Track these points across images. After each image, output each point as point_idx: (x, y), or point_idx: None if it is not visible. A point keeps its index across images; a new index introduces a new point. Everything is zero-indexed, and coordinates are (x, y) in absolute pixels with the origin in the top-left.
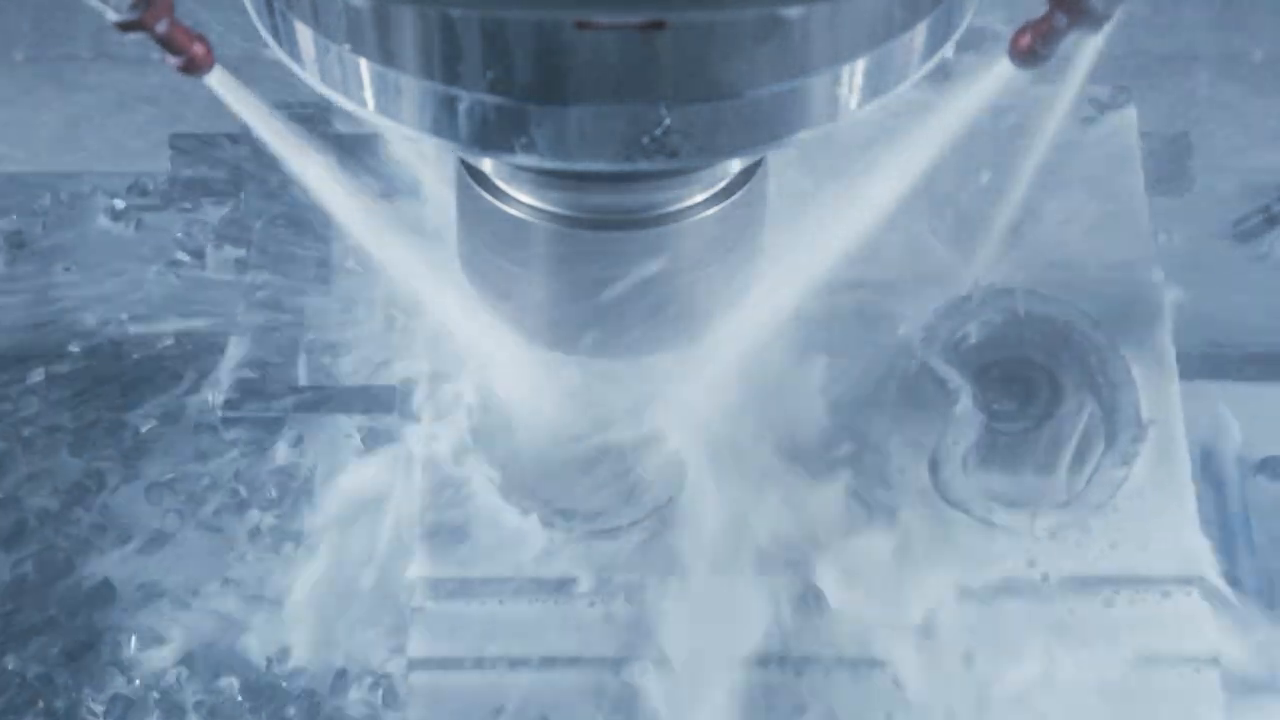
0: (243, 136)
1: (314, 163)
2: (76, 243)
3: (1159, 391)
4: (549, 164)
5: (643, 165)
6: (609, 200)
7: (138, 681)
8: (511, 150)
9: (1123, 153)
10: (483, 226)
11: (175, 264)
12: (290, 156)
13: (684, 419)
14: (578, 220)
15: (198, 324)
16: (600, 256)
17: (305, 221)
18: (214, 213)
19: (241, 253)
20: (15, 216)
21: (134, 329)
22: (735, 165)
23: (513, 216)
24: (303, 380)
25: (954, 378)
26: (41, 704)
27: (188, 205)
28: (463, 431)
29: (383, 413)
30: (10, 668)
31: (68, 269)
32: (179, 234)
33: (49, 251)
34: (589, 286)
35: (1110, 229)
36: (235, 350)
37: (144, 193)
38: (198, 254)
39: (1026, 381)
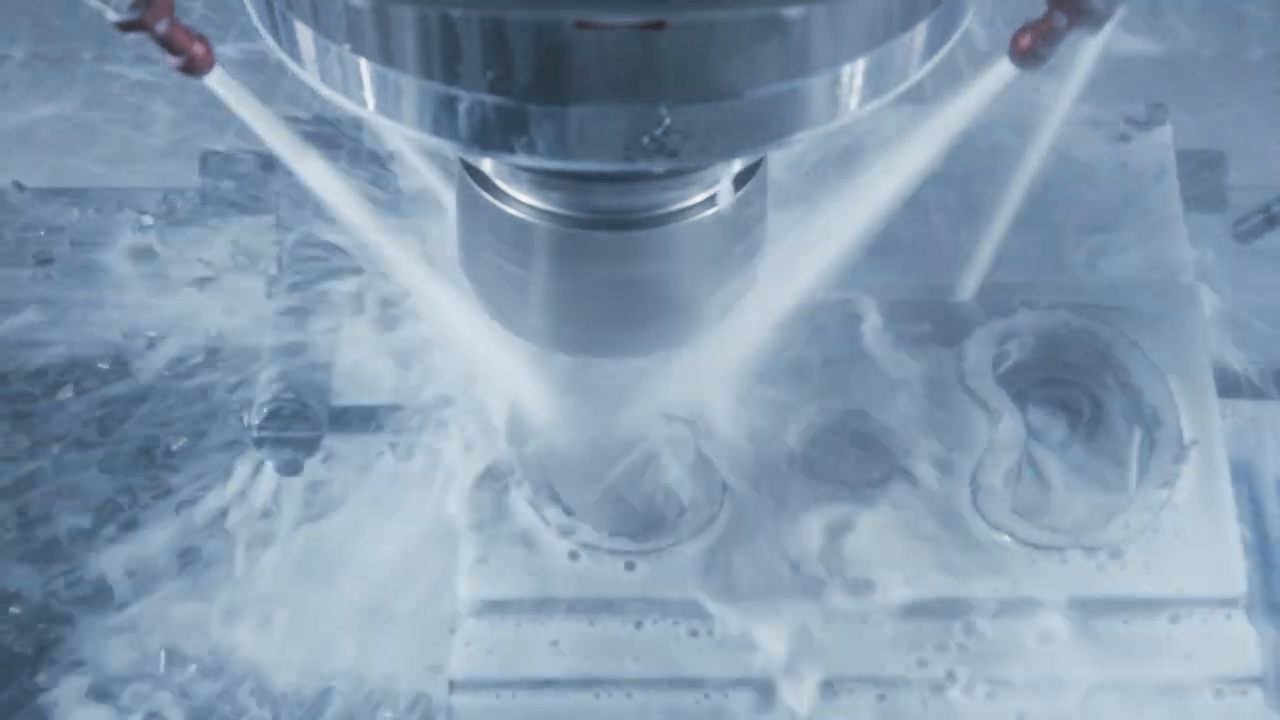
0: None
1: (315, 164)
2: (104, 259)
3: (1199, 411)
4: (549, 164)
5: (643, 165)
6: (609, 200)
7: (167, 694)
8: (511, 150)
9: (1159, 170)
10: (482, 227)
11: (205, 281)
12: (291, 158)
13: (717, 434)
14: (578, 220)
15: (228, 341)
16: (600, 257)
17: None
18: (244, 229)
19: (273, 270)
20: (43, 233)
21: (163, 346)
22: (735, 165)
23: (512, 216)
24: (336, 398)
25: (996, 398)
26: None
27: (217, 222)
28: (500, 448)
29: (418, 430)
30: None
31: (96, 285)
32: (208, 251)
33: (77, 268)
34: (589, 287)
35: (1147, 247)
36: (268, 367)
37: (172, 209)
38: (227, 271)
39: (1066, 402)
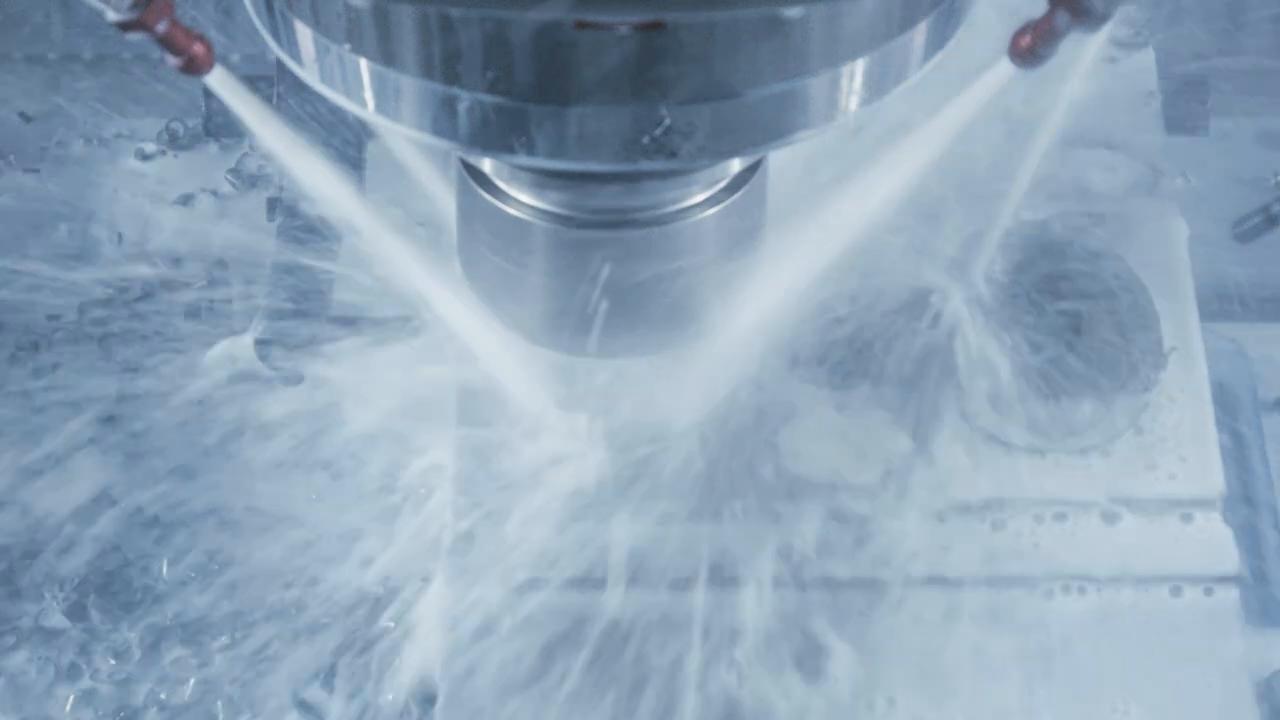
0: (278, 78)
1: (312, 161)
2: (105, 186)
3: (1179, 320)
4: (549, 164)
5: (643, 165)
6: (608, 200)
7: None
8: (511, 150)
9: (1142, 92)
10: (482, 226)
11: (205, 205)
12: (288, 156)
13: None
14: (577, 220)
15: (230, 263)
16: (599, 256)
17: (340, 161)
18: (246, 154)
19: (273, 192)
20: (43, 160)
21: (164, 269)
22: (735, 165)
23: (512, 216)
24: (336, 312)
25: (984, 306)
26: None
27: (217, 148)
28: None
29: (419, 339)
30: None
31: (97, 213)
32: (209, 176)
33: (78, 194)
34: (589, 287)
35: (1130, 166)
36: (269, 280)
37: (175, 136)
38: (229, 194)
39: (1052, 310)
